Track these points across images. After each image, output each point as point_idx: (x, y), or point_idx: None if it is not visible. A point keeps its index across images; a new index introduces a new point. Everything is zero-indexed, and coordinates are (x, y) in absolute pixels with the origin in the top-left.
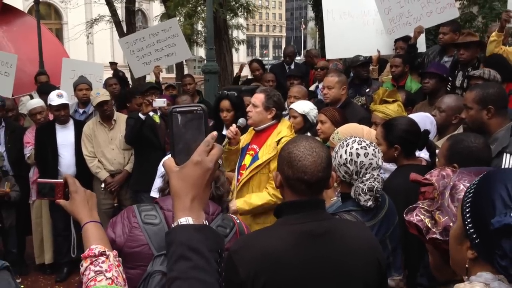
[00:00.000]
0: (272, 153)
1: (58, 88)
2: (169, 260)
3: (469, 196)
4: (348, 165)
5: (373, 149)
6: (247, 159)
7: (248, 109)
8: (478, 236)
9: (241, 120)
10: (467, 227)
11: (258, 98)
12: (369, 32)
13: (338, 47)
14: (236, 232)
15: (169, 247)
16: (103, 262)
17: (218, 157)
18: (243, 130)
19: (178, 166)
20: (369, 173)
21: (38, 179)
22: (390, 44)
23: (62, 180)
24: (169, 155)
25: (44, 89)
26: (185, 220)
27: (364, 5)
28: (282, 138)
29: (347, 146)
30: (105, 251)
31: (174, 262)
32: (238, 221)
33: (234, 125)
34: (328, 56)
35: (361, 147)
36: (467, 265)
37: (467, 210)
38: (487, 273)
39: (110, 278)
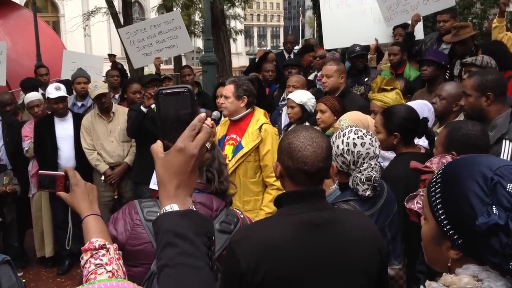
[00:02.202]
0: (257, 140)
1: (41, 83)
2: (157, 249)
3: (436, 196)
4: (345, 155)
5: (370, 138)
6: (228, 149)
7: (221, 101)
8: (460, 237)
9: (215, 113)
10: (445, 229)
11: (228, 89)
12: (366, 21)
13: (335, 37)
14: (241, 226)
15: (156, 236)
16: (103, 255)
17: (205, 142)
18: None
19: (164, 153)
20: (366, 163)
21: (39, 171)
22: (388, 32)
23: (62, 173)
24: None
25: (27, 84)
26: (170, 207)
27: None
28: (263, 124)
29: (343, 136)
30: (105, 244)
31: (161, 250)
32: (242, 216)
33: (208, 118)
34: (326, 47)
35: (358, 137)
36: (449, 264)
37: (440, 212)
38: (474, 265)
39: (110, 271)
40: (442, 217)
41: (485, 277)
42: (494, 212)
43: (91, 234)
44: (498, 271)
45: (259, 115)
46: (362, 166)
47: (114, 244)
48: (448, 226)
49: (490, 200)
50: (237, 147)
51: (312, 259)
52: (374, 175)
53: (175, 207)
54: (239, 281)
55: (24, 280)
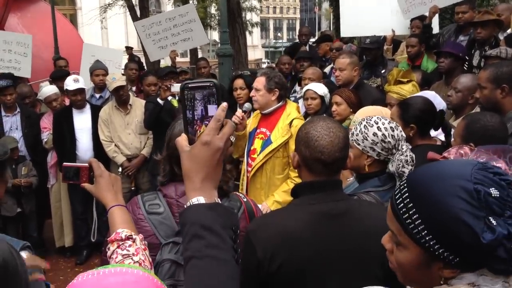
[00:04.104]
0: (286, 135)
1: (70, 74)
2: (183, 240)
3: (415, 223)
4: (389, 139)
5: (396, 123)
6: (257, 143)
7: (251, 94)
8: (458, 256)
9: (247, 105)
10: (437, 253)
11: (260, 81)
12: (384, 11)
13: (353, 25)
14: (244, 211)
15: (182, 228)
16: (130, 245)
17: (229, 135)
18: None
19: (189, 146)
20: (404, 145)
21: (64, 163)
22: (405, 24)
23: (87, 164)
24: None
25: (57, 75)
26: (196, 200)
27: None
28: (293, 119)
29: (376, 124)
30: (131, 235)
31: (188, 242)
32: (245, 199)
33: (239, 110)
34: (343, 34)
35: (389, 122)
36: (441, 282)
37: (426, 238)
38: (468, 274)
39: (137, 261)
40: (431, 243)
41: (482, 282)
42: (494, 223)
43: (117, 225)
44: (503, 275)
45: (291, 109)
46: (403, 148)
47: (140, 234)
48: (441, 250)
49: (484, 213)
50: (266, 142)
51: (328, 249)
52: (413, 155)
53: (201, 199)
54: (256, 269)
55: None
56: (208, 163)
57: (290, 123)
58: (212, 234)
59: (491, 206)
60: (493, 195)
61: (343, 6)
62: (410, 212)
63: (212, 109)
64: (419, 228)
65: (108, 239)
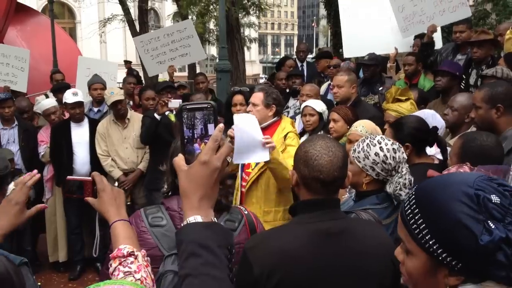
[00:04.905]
0: (281, 148)
1: (72, 87)
2: (180, 258)
3: (420, 228)
4: (389, 160)
5: (399, 145)
6: None
7: (248, 109)
8: (460, 261)
9: None
10: (441, 258)
11: (257, 96)
12: (385, 30)
13: (355, 45)
14: (245, 224)
15: (179, 246)
16: (132, 262)
17: (227, 155)
18: None
19: (187, 166)
20: (404, 168)
21: (67, 177)
22: (408, 42)
23: (90, 178)
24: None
25: (58, 88)
26: (194, 218)
27: (380, 3)
28: (288, 133)
29: (379, 144)
30: (133, 251)
31: (184, 260)
32: (246, 212)
33: (233, 127)
34: (346, 55)
35: (392, 143)
36: None
37: (430, 242)
38: (470, 285)
39: (139, 279)
40: (435, 247)
41: None
42: (492, 227)
43: (119, 241)
44: (505, 284)
45: (286, 124)
46: (402, 171)
47: (143, 250)
48: (444, 254)
49: (483, 217)
50: None
51: (325, 268)
52: (412, 179)
53: (198, 218)
54: (252, 287)
55: (39, 284)
56: (206, 183)
57: (285, 136)
58: (208, 252)
59: (491, 211)
60: (493, 201)
61: (344, 27)
62: (416, 218)
63: (211, 128)
64: (424, 233)
65: (110, 255)
